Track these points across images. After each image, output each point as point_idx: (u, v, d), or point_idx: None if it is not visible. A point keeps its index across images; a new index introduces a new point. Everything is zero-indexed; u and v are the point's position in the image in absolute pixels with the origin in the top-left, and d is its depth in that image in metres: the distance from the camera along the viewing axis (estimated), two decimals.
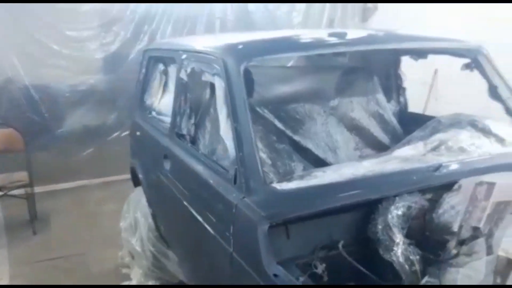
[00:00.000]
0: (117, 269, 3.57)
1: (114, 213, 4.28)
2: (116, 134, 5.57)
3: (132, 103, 3.96)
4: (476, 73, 2.61)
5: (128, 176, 4.48)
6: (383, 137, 2.97)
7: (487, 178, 1.54)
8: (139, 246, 3.27)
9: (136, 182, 3.55)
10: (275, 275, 1.57)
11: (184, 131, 2.61)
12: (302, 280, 1.55)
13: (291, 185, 1.83)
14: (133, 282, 3.27)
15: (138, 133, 3.42)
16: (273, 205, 1.75)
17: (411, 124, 2.74)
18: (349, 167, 1.94)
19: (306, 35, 2.35)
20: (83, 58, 5.35)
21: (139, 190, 3.39)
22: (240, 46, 2.21)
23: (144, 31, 5.58)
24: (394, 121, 3.03)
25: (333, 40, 2.19)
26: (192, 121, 2.62)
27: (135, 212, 3.34)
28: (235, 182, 1.91)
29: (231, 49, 2.21)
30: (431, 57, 2.81)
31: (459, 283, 1.47)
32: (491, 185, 1.50)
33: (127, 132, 5.38)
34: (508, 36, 3.97)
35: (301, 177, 1.88)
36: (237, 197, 1.86)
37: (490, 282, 1.34)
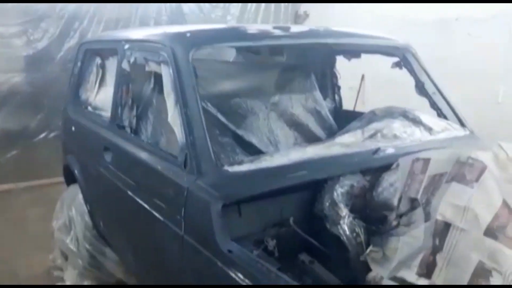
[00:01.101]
0: (48, 272, 3.39)
1: (42, 217, 4.06)
2: (43, 135, 5.29)
3: (60, 103, 3.79)
4: (398, 78, 2.85)
5: (58, 179, 4.28)
6: (320, 133, 3.11)
7: (422, 155, 1.70)
8: (74, 245, 3.13)
9: (69, 180, 3.40)
10: (230, 251, 1.61)
11: (126, 122, 2.57)
12: (256, 253, 1.60)
13: (242, 168, 1.88)
14: (68, 283, 3.12)
15: (72, 128, 3.29)
16: (226, 186, 1.79)
17: (345, 121, 2.91)
18: (295, 152, 2.03)
19: (253, 27, 2.43)
20: (7, 55, 5.05)
21: (74, 188, 3.25)
22: (188, 34, 2.24)
23: (74, 29, 5.39)
24: (330, 117, 3.18)
25: (279, 32, 2.29)
26: (134, 112, 2.59)
27: (70, 211, 3.20)
28: (185, 166, 1.92)
29: (179, 37, 2.23)
30: (358, 62, 3.02)
31: (399, 250, 1.59)
32: (427, 160, 1.66)
33: (55, 133, 5.16)
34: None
35: (251, 161, 1.94)
36: (189, 181, 1.88)
37: (429, 245, 1.48)
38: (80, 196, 3.12)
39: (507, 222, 1.39)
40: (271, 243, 1.71)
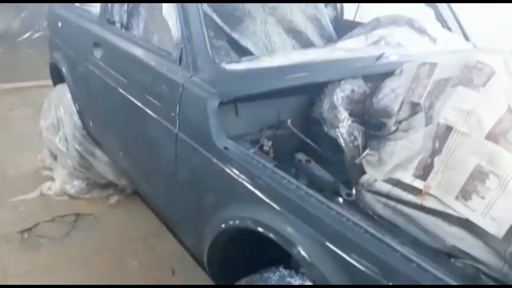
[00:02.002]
0: (36, 172, 3.39)
1: (29, 118, 4.00)
2: (27, 35, 5.05)
3: None
4: None
5: (44, 82, 4.15)
6: (319, 42, 3.00)
7: (429, 59, 1.64)
8: (63, 145, 3.10)
9: (56, 79, 3.29)
10: (226, 148, 1.59)
11: (117, 18, 2.42)
12: (252, 151, 1.58)
13: (240, 66, 1.80)
14: (57, 183, 3.13)
15: (59, 24, 3.12)
16: (223, 83, 1.73)
17: (346, 31, 2.79)
18: (296, 54, 1.95)
19: None
20: None
21: (61, 87, 3.16)
22: None
23: None
24: (330, 26, 3.05)
25: None
26: (126, 7, 2.43)
27: (58, 110, 3.13)
28: (180, 62, 1.84)
29: None
30: None
31: (396, 154, 1.58)
32: (433, 64, 1.60)
33: (40, 33, 4.93)
34: None
35: (250, 60, 1.86)
36: (184, 77, 1.80)
37: (429, 149, 1.46)
38: (68, 95, 3.03)
39: (510, 127, 1.38)
40: (267, 144, 1.69)
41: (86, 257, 2.56)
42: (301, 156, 1.57)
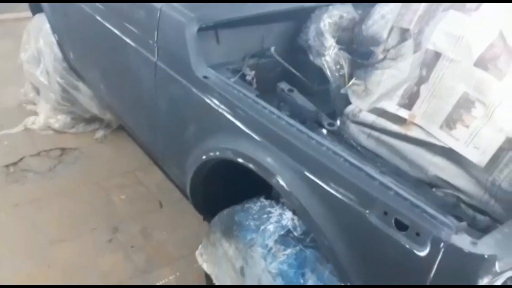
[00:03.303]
0: (20, 106, 3.31)
1: (10, 52, 3.84)
2: None
3: None
4: None
5: (24, 14, 3.95)
6: None
7: None
8: (45, 78, 3.00)
9: (35, 9, 3.12)
10: (205, 77, 1.52)
11: None
12: (233, 80, 1.52)
13: None
14: (42, 117, 3.07)
15: None
16: (202, 7, 1.63)
17: None
18: None
19: None
20: None
21: (40, 17, 3.00)
22: None
23: None
24: None
25: None
26: None
27: (37, 42, 3.00)
28: None
29: None
30: None
31: (383, 83, 1.53)
32: None
33: None
34: None
35: None
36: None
37: (415, 77, 1.41)
38: (47, 25, 2.89)
39: (501, 53, 1.31)
40: (250, 73, 1.63)
41: (73, 191, 2.56)
42: (283, 86, 1.51)
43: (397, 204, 1.06)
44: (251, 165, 1.35)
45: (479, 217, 1.34)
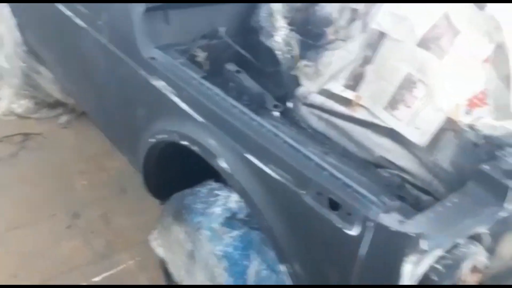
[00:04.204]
0: None
1: None
2: None
3: None
4: None
5: None
6: None
7: None
8: (7, 63, 2.93)
9: None
10: (152, 58, 1.49)
11: None
12: (180, 61, 1.49)
13: None
14: (4, 102, 3.00)
15: None
16: None
17: None
18: None
19: None
20: None
21: None
22: None
23: None
24: None
25: None
26: None
27: None
28: None
29: None
30: None
31: (333, 64, 1.52)
32: None
33: None
34: None
35: None
36: None
37: (361, 57, 1.40)
38: (8, 9, 2.81)
39: (443, 33, 1.31)
40: (202, 55, 1.61)
41: (34, 177, 2.51)
42: (231, 67, 1.49)
43: (330, 185, 1.06)
44: (195, 148, 1.34)
45: (423, 196, 1.35)
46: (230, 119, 1.26)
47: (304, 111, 1.56)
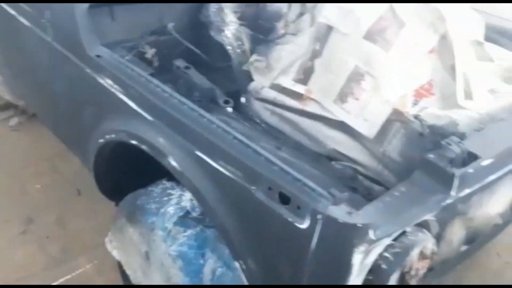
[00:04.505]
0: None
1: None
2: None
3: None
4: None
5: None
6: None
7: None
8: None
9: None
10: (98, 56, 1.45)
11: None
12: (127, 58, 1.45)
13: None
14: None
15: None
16: None
17: None
18: None
19: None
20: None
21: None
22: None
23: None
24: None
25: None
26: None
27: None
28: None
29: None
30: None
31: (284, 59, 1.52)
32: None
33: None
34: None
35: None
36: None
37: (310, 51, 1.41)
38: None
39: (389, 25, 1.33)
40: (150, 51, 1.57)
41: None
42: (179, 63, 1.46)
43: (280, 179, 1.06)
44: (144, 147, 1.31)
45: (375, 187, 1.37)
46: (178, 117, 1.24)
47: (257, 106, 1.56)
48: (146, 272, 1.51)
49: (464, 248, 1.38)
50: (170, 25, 1.58)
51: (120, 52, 1.49)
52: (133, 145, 1.36)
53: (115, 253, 1.67)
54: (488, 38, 1.81)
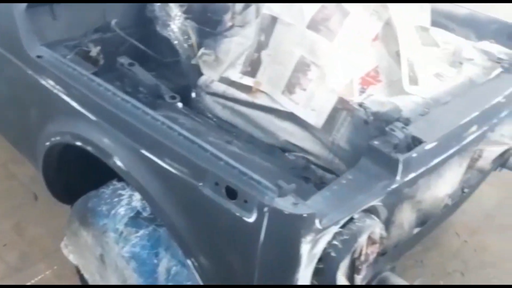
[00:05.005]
0: None
1: None
2: None
3: None
4: None
5: None
6: None
7: None
8: None
9: None
10: (39, 57, 1.40)
11: None
12: (69, 58, 1.41)
13: None
14: None
15: None
16: None
17: None
18: None
19: None
20: None
21: None
22: None
23: None
24: None
25: None
26: None
27: None
28: None
29: None
30: None
31: (232, 51, 1.50)
32: None
33: None
34: None
35: None
36: None
37: (256, 42, 1.39)
38: None
39: (332, 14, 1.33)
40: (95, 50, 1.53)
41: None
42: (123, 60, 1.43)
43: (226, 174, 1.05)
44: (89, 148, 1.27)
45: (328, 176, 1.38)
46: (122, 115, 1.21)
47: (208, 100, 1.54)
48: (103, 275, 1.48)
49: (416, 230, 1.41)
50: (113, 22, 1.54)
51: (62, 51, 1.44)
52: (78, 147, 1.33)
53: (72, 258, 1.64)
54: (436, 23, 1.85)
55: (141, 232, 1.32)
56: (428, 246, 2.20)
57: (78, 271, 1.66)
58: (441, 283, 2.09)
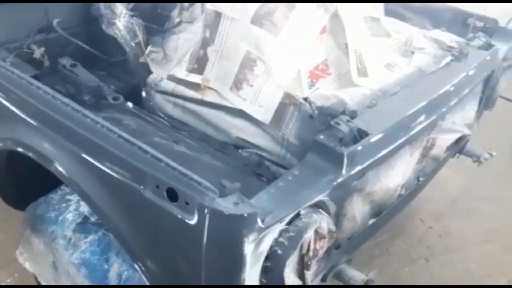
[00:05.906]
0: None
1: None
2: None
3: None
4: None
5: None
6: None
7: None
8: None
9: None
10: None
11: None
12: (9, 61, 1.36)
13: None
14: None
15: None
16: None
17: None
18: None
19: None
20: None
21: None
22: None
23: None
24: None
25: None
26: None
27: None
28: None
29: None
30: None
31: (180, 48, 1.47)
32: None
33: None
34: None
35: None
36: None
37: (201, 39, 1.37)
38: None
39: (275, 8, 1.31)
40: (38, 51, 1.48)
41: None
42: (65, 61, 1.38)
43: (166, 176, 1.02)
44: (30, 154, 1.23)
45: (281, 171, 1.37)
46: (62, 119, 1.17)
47: (159, 99, 1.51)
48: (58, 281, 1.45)
49: (372, 221, 1.41)
50: (55, 22, 1.49)
51: (2, 54, 1.39)
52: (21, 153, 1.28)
53: (28, 265, 1.60)
54: (392, 13, 1.84)
55: (90, 237, 1.29)
56: (394, 235, 2.22)
57: (36, 278, 1.62)
58: (406, 270, 2.11)
